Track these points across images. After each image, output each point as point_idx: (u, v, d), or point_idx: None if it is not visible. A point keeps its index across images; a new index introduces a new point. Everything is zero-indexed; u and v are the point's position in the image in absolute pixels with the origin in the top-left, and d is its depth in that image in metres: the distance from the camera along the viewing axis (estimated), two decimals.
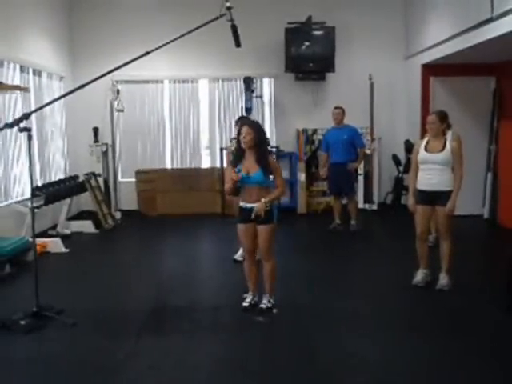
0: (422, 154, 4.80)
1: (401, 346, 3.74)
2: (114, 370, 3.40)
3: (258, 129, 4.15)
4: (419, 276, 4.92)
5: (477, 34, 6.06)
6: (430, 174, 4.74)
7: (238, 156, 4.21)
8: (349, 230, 7.26)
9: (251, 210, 4.08)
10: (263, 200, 4.04)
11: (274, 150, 8.21)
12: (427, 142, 4.80)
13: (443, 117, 4.76)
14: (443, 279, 4.77)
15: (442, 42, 7.19)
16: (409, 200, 4.99)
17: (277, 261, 4.35)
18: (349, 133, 7.15)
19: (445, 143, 4.70)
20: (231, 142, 5.35)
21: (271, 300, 4.34)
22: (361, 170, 8.33)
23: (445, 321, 4.17)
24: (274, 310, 4.29)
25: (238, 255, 5.79)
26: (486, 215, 8.05)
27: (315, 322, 4.14)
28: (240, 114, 8.37)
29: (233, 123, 8.88)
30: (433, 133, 4.75)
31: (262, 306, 4.31)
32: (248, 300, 4.41)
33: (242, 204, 4.23)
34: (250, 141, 4.07)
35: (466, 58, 7.22)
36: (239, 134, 4.15)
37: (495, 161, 7.90)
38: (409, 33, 8.80)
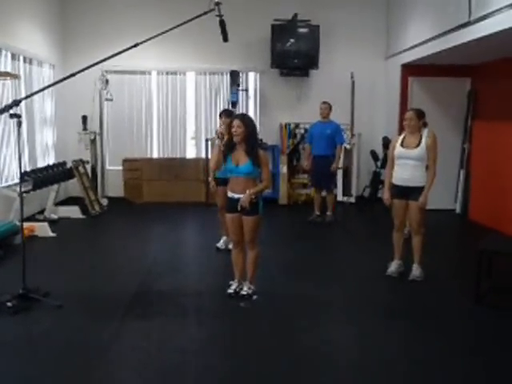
0: (398, 149, 4.84)
1: (375, 333, 3.78)
2: (99, 350, 3.39)
3: (248, 123, 4.13)
4: (393, 267, 4.98)
5: (454, 37, 6.11)
6: (405, 169, 4.78)
7: (229, 146, 4.21)
8: (324, 220, 7.32)
9: (238, 200, 4.09)
10: (248, 192, 4.04)
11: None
12: (404, 138, 4.84)
13: (420, 114, 4.80)
14: (416, 270, 4.83)
15: (421, 43, 7.23)
16: (384, 194, 5.03)
17: (260, 251, 4.35)
18: (332, 128, 7.19)
19: (420, 139, 4.74)
20: (216, 134, 5.34)
21: (252, 287, 4.35)
22: (340, 165, 8.37)
23: (417, 309, 4.22)
24: (254, 297, 4.30)
25: (221, 243, 5.81)
26: (457, 210, 8.16)
27: (294, 309, 4.17)
28: (225, 107, 8.36)
29: (217, 116, 8.97)
30: (410, 129, 4.79)
31: (243, 292, 4.33)
32: (233, 287, 4.41)
33: (229, 194, 4.24)
34: (241, 133, 4.06)
35: (444, 59, 7.29)
36: (231, 126, 4.13)
37: (468, 159, 8.00)
38: (390, 34, 8.84)
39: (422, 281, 4.82)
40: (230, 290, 4.39)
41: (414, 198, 4.75)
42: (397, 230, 4.97)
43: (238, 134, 4.06)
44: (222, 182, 5.42)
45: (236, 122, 4.08)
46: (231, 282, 4.46)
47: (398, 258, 5.00)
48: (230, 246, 5.75)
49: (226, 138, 4.64)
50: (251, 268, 4.34)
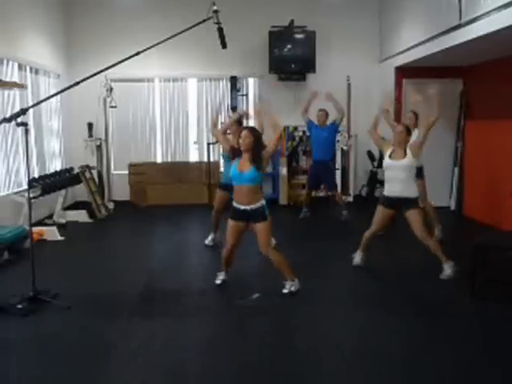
0: (386, 161, 4.85)
1: (375, 326, 3.77)
2: (105, 350, 3.39)
3: (255, 134, 4.20)
4: (357, 257, 5.14)
5: (446, 40, 6.10)
6: (394, 183, 4.79)
7: (237, 152, 4.27)
8: (340, 219, 7.35)
9: (244, 211, 4.18)
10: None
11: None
12: (392, 151, 4.84)
13: (417, 115, 4.90)
14: (447, 269, 4.75)
15: (414, 46, 7.23)
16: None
17: (280, 256, 4.36)
18: (329, 130, 7.17)
19: (405, 151, 4.76)
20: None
21: (293, 283, 4.36)
22: (338, 165, 8.38)
23: (415, 302, 4.21)
24: (256, 295, 4.29)
25: (209, 240, 5.99)
26: (452, 207, 8.14)
27: (296, 307, 4.15)
28: (226, 112, 8.42)
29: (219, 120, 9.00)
30: (398, 141, 4.79)
31: (285, 290, 4.34)
32: (221, 278, 4.60)
33: (235, 204, 4.28)
34: (248, 144, 4.14)
35: (436, 61, 7.28)
36: (239, 137, 4.24)
37: (461, 157, 7.98)
38: (383, 38, 8.83)
39: (420, 275, 4.82)
40: (218, 281, 4.56)
41: (407, 208, 4.74)
42: (370, 231, 5.01)
43: (246, 144, 4.14)
44: (224, 187, 5.45)
45: (244, 133, 4.17)
46: (218, 273, 4.61)
47: (361, 250, 5.13)
48: (206, 242, 6.00)
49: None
50: (280, 269, 4.36)
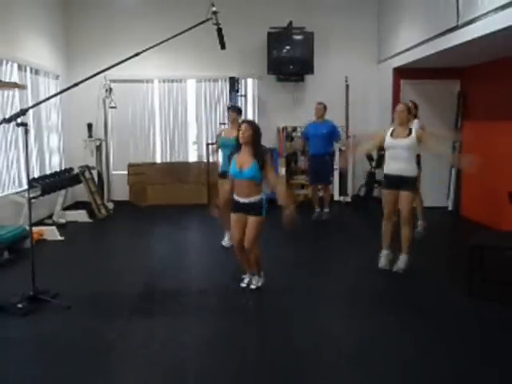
0: (388, 140, 4.84)
1: (374, 326, 3.78)
2: (106, 348, 3.39)
3: (255, 128, 4.20)
4: (383, 259, 5.01)
5: (443, 41, 6.11)
6: (395, 161, 4.79)
7: (236, 147, 4.26)
8: (322, 217, 7.34)
9: (243, 204, 4.17)
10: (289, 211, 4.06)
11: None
12: (393, 130, 4.85)
13: (410, 108, 4.88)
14: (401, 262, 4.82)
15: (412, 47, 7.23)
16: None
17: (260, 251, 4.37)
18: (328, 128, 7.19)
19: (410, 130, 4.76)
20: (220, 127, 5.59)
21: (260, 280, 4.44)
22: (336, 165, 8.38)
23: (413, 302, 4.21)
24: (256, 283, 4.38)
25: (225, 240, 5.87)
26: (450, 207, 8.16)
27: (296, 306, 4.16)
28: (226, 111, 8.40)
29: (218, 121, 8.98)
30: (400, 120, 4.80)
31: (252, 286, 4.41)
32: (246, 281, 4.52)
33: (235, 197, 4.27)
34: (248, 137, 4.13)
35: (434, 62, 7.29)
36: (238, 130, 4.21)
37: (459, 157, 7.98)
38: (381, 39, 8.84)
39: (417, 275, 4.83)
40: (243, 284, 4.50)
41: (404, 188, 4.76)
42: (386, 219, 4.98)
43: (246, 136, 4.12)
44: (225, 174, 5.39)
45: (244, 126, 4.17)
46: (243, 276, 4.56)
47: (386, 248, 5.02)
48: (224, 243, 5.87)
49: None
50: (255, 267, 4.40)
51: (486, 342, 3.49)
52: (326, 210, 7.41)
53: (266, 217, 4.24)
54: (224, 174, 5.45)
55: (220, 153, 5.93)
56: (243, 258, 4.42)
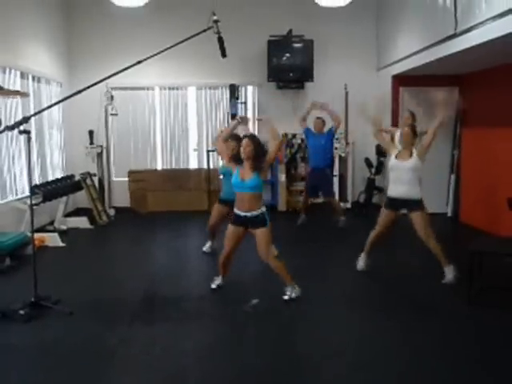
0: (392, 161, 4.87)
1: (373, 332, 3.78)
2: (107, 355, 3.39)
3: (257, 142, 4.25)
4: (360, 262, 5.16)
5: (442, 48, 6.15)
6: (399, 184, 4.81)
7: (239, 159, 4.31)
8: (337, 225, 7.33)
9: (245, 217, 4.22)
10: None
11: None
12: (398, 152, 4.88)
13: (415, 129, 4.89)
14: (448, 274, 4.76)
15: (410, 55, 7.27)
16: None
17: (279, 262, 4.41)
18: (326, 138, 7.20)
19: (412, 152, 4.79)
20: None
21: (293, 290, 4.36)
22: (336, 172, 8.41)
23: (413, 308, 4.21)
24: (254, 301, 4.30)
25: (207, 247, 5.98)
26: (449, 213, 8.17)
27: (295, 311, 4.17)
28: (226, 120, 8.45)
29: (218, 127, 8.98)
30: (405, 140, 4.83)
31: (285, 297, 4.34)
32: (216, 282, 4.63)
33: (236, 211, 4.32)
34: (249, 152, 4.19)
35: (432, 70, 7.33)
36: (239, 145, 4.30)
37: (458, 164, 8.01)
38: (381, 46, 8.88)
39: (417, 280, 4.83)
40: (213, 285, 4.60)
41: (411, 209, 4.77)
42: (375, 231, 5.03)
43: (247, 152, 4.19)
44: (224, 202, 5.43)
45: (245, 142, 4.23)
46: (215, 278, 4.63)
47: (365, 253, 5.13)
48: (204, 249, 6.01)
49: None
50: (282, 275, 4.38)
51: (486, 347, 3.49)
52: (342, 217, 7.37)
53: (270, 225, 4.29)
54: (223, 201, 5.48)
55: (222, 179, 5.77)
56: (223, 265, 4.54)
